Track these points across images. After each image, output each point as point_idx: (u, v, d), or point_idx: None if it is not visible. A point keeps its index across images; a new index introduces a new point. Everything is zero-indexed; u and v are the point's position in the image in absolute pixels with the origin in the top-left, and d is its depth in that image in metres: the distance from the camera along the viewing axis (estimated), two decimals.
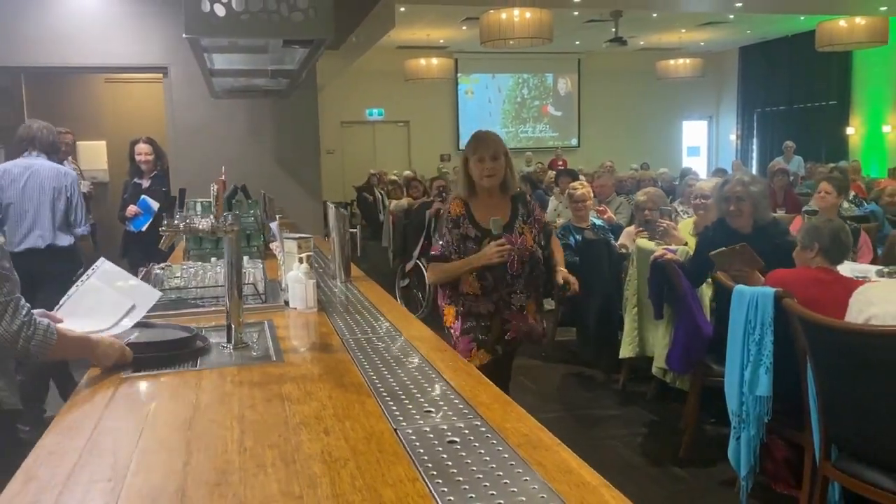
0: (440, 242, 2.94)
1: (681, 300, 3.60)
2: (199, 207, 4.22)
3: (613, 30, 13.19)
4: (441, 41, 15.28)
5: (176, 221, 2.13)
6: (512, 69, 17.33)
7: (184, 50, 5.35)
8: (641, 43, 15.71)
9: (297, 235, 3.10)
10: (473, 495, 1.19)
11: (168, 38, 5.30)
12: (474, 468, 1.30)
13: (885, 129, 14.05)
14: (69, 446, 1.47)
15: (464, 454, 1.35)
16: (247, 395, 1.77)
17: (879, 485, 2.36)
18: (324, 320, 2.59)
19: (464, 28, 13.83)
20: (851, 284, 2.79)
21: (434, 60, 14.69)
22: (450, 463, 1.32)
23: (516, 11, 10.20)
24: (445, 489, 1.21)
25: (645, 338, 4.24)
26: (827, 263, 2.96)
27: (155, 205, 5.69)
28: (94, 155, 8.04)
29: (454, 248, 2.89)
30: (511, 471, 1.28)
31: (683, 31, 14.93)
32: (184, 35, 2.40)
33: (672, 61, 15.59)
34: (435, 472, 1.28)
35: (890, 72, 13.79)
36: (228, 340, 2.23)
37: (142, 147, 5.71)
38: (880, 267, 3.88)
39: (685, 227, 4.48)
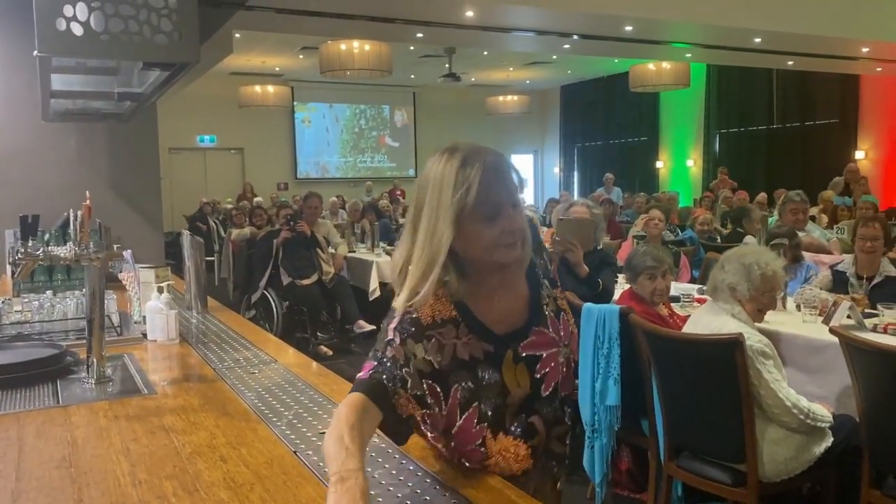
0: (373, 362, 1.33)
1: None
2: (46, 237, 3.91)
3: (447, 65, 13.70)
4: (277, 69, 15.12)
5: (32, 250, 1.99)
6: (349, 100, 17.44)
7: (7, 67, 4.95)
8: (473, 79, 16.42)
9: (151, 265, 2.98)
10: None
11: None
12: (383, 482, 1.34)
13: (689, 163, 15.60)
14: None
15: (370, 469, 1.38)
16: (126, 427, 1.69)
17: (714, 478, 2.65)
18: (189, 351, 2.50)
19: (301, 56, 13.78)
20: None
21: (270, 88, 14.49)
22: None
23: (356, 43, 10.35)
24: None
25: None
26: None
27: None
28: None
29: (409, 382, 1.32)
30: (420, 480, 1.33)
31: (511, 69, 15.80)
32: (36, 53, 2.26)
33: (501, 97, 16.41)
34: None
35: (690, 112, 15.37)
36: (90, 375, 2.11)
37: None
38: (700, 286, 4.33)
39: None
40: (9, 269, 3.72)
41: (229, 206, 12.73)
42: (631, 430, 3.12)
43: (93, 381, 2.09)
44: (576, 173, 18.78)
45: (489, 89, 17.02)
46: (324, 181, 16.56)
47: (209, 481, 1.36)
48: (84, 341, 2.12)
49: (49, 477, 1.42)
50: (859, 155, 12.44)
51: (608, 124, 17.34)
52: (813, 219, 6.50)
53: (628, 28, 7.72)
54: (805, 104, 13.24)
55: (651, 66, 11.98)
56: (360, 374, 1.30)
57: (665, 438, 2.81)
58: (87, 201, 2.02)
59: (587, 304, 3.11)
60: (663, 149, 16.25)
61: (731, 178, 12.68)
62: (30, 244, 2.08)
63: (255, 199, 12.98)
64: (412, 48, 12.89)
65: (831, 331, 2.60)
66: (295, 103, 16.63)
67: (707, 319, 2.76)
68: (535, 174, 20.25)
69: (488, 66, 15.21)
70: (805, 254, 4.63)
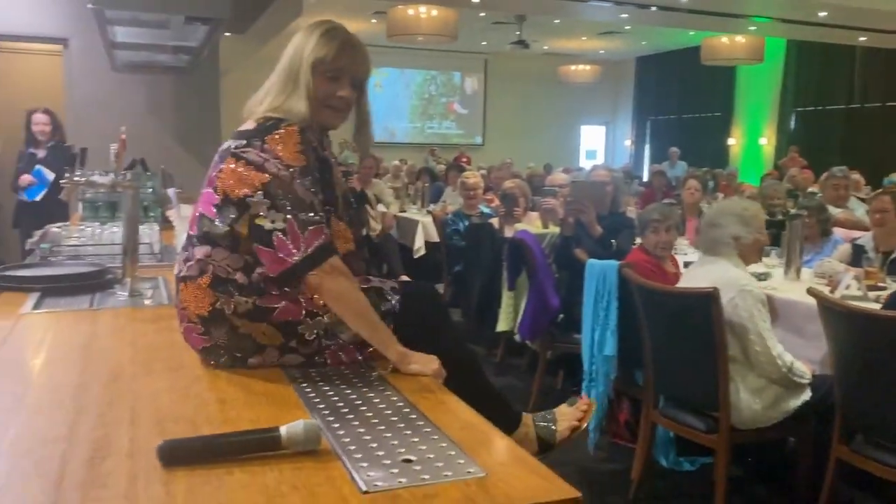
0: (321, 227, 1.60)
1: (533, 275, 3.97)
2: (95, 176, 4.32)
3: (518, 33, 13.71)
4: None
5: (76, 177, 2.31)
6: (420, 65, 17.63)
7: (84, 21, 5.38)
8: (545, 47, 16.33)
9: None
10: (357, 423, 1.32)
11: (68, 9, 5.30)
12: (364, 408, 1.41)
13: (762, 141, 15.19)
14: None
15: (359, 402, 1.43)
16: (139, 327, 1.99)
17: (691, 425, 2.80)
18: None
19: (373, 21, 14.02)
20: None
21: None
22: (341, 406, 1.40)
23: (423, 8, 10.51)
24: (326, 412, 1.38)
25: (518, 314, 4.62)
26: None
27: (50, 175, 5.66)
28: None
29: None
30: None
31: (584, 38, 15.64)
32: (88, 5, 2.56)
33: (573, 67, 16.30)
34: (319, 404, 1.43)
35: (767, 89, 14.92)
36: (124, 289, 2.44)
37: (39, 117, 5.68)
38: None
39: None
40: (80, 206, 4.15)
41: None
42: (627, 381, 3.29)
43: (126, 294, 2.41)
44: (647, 146, 18.51)
45: (561, 58, 16.89)
46: (390, 146, 16.88)
47: (192, 364, 1.64)
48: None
49: (68, 354, 1.73)
50: None
51: (682, 98, 17.00)
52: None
53: (684, 0, 7.64)
54: (889, 83, 12.68)
55: (724, 39, 11.71)
56: (318, 243, 1.53)
57: (649, 387, 2.98)
58: (123, 136, 2.32)
59: (590, 260, 3.28)
60: (736, 125, 15.85)
61: (805, 158, 12.33)
62: (77, 173, 2.41)
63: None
64: (482, 14, 12.95)
65: (808, 291, 2.70)
66: None
67: (703, 270, 2.87)
68: (607, 146, 20.05)
69: (560, 35, 15.10)
70: (839, 230, 4.63)
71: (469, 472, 1.11)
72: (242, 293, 1.56)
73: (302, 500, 1.03)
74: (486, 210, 5.69)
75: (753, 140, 15.42)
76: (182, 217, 3.13)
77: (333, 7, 12.87)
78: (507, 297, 4.69)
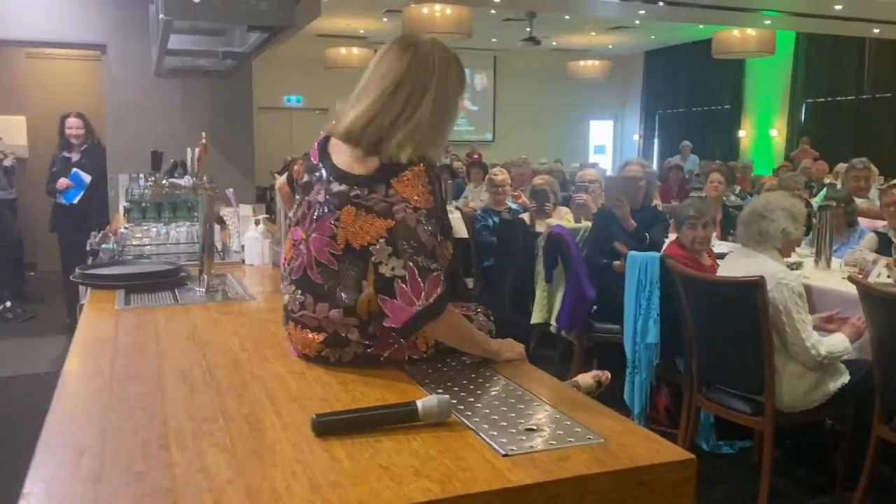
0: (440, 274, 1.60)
1: (569, 268, 4.10)
2: (140, 179, 4.46)
3: (528, 29, 13.82)
4: (361, 31, 15.55)
5: (158, 181, 2.45)
6: None
7: (123, 28, 5.52)
8: (554, 43, 16.43)
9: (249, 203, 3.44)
10: (473, 399, 1.52)
11: (107, 15, 5.44)
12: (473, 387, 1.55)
13: (773, 132, 15.28)
14: (104, 352, 1.81)
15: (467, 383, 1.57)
16: (234, 319, 2.14)
17: (737, 408, 2.94)
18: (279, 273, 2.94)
19: (385, 20, 14.15)
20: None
21: (355, 50, 14.96)
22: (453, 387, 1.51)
23: (437, 7, 10.64)
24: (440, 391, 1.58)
25: (553, 306, 4.75)
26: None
27: (87, 178, 5.82)
28: (13, 130, 7.96)
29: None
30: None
31: (593, 33, 15.73)
32: (161, 17, 2.70)
33: (582, 62, 16.39)
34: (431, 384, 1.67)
35: (777, 81, 15.01)
36: (201, 285, 2.58)
37: (72, 121, 5.84)
38: None
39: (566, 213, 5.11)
40: (122, 208, 4.29)
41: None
42: (668, 368, 3.42)
43: (203, 291, 2.56)
44: (656, 140, 18.61)
45: (570, 54, 16.99)
46: None
47: None
48: (191, 262, 2.61)
49: (181, 344, 1.87)
50: None
51: (691, 92, 17.08)
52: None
53: None
54: None
55: (736, 32, 11.79)
56: (437, 293, 1.50)
57: (695, 372, 3.11)
58: (203, 140, 2.46)
59: (631, 252, 3.42)
60: (746, 118, 15.94)
61: (816, 150, 12.43)
62: (155, 176, 2.55)
63: None
64: (493, 11, 13.06)
65: (849, 279, 2.83)
66: None
67: (742, 262, 3.00)
68: (615, 140, 20.14)
69: (570, 31, 15.20)
70: (863, 220, 4.75)
71: (589, 438, 1.25)
72: (352, 346, 1.60)
73: (451, 461, 1.17)
74: (514, 206, 5.82)
75: (764, 132, 15.50)
76: (243, 217, 3.28)
77: (349, 6, 13.03)
78: (540, 290, 4.82)
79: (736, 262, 3.08)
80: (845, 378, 2.86)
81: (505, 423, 1.32)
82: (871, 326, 2.73)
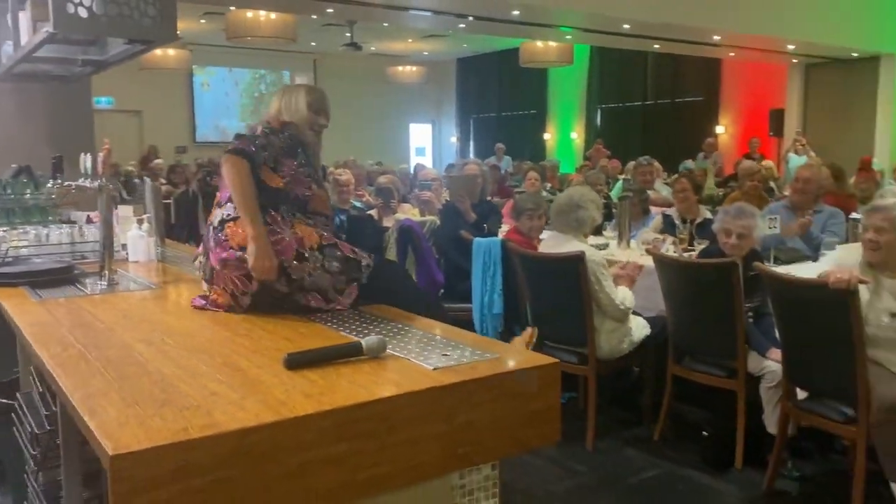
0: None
1: (420, 256, 4.63)
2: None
3: (348, 34, 14.26)
4: (178, 32, 15.15)
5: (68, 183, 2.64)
6: (249, 64, 17.66)
7: None
8: (373, 48, 16.99)
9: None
10: (396, 340, 2.04)
11: None
12: (390, 333, 2.14)
13: (574, 135, 16.89)
14: (59, 332, 2.05)
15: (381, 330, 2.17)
16: (156, 303, 2.43)
17: (566, 360, 3.60)
18: (168, 267, 3.20)
19: (202, 21, 13.96)
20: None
21: (170, 51, 14.58)
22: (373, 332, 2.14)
23: (262, 11, 10.79)
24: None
25: None
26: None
27: None
28: None
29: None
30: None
31: (410, 40, 16.50)
32: (50, 30, 2.88)
33: (400, 67, 17.11)
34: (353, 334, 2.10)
35: (576, 88, 16.61)
36: (103, 280, 2.79)
37: None
38: None
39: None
40: None
41: (132, 169, 12.90)
42: (510, 334, 4.05)
43: (105, 284, 2.77)
44: (472, 143, 19.76)
45: (389, 59, 17.64)
46: (224, 144, 16.71)
47: (226, 322, 2.13)
48: (77, 261, 2.84)
49: (123, 322, 2.15)
50: (720, 129, 14.00)
51: (501, 97, 18.38)
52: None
53: (515, 12, 8.66)
54: (675, 83, 14.70)
55: (539, 43, 13.01)
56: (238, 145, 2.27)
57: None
58: (107, 145, 2.69)
59: (476, 239, 4.00)
60: (550, 122, 17.46)
61: (610, 150, 13.96)
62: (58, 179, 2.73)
63: (155, 162, 13.20)
64: (314, 17, 13.36)
65: (647, 252, 3.59)
66: (194, 67, 16.71)
67: (560, 244, 3.66)
68: (434, 143, 21.10)
69: (388, 37, 15.83)
70: (653, 207, 5.71)
71: (488, 355, 1.76)
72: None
73: (397, 375, 1.62)
74: (358, 204, 6.25)
75: (566, 134, 17.08)
76: (123, 217, 3.46)
77: None
78: None
79: (554, 245, 3.76)
80: (647, 330, 3.62)
81: (427, 352, 1.79)
82: (663, 288, 3.50)
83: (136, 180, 4.60)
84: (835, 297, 2.64)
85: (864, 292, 2.69)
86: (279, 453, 1.35)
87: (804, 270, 3.41)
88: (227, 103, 17.73)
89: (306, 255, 2.21)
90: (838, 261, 2.90)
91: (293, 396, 1.48)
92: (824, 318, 2.76)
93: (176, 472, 1.25)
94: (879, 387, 2.66)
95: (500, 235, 4.55)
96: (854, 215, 4.29)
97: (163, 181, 9.77)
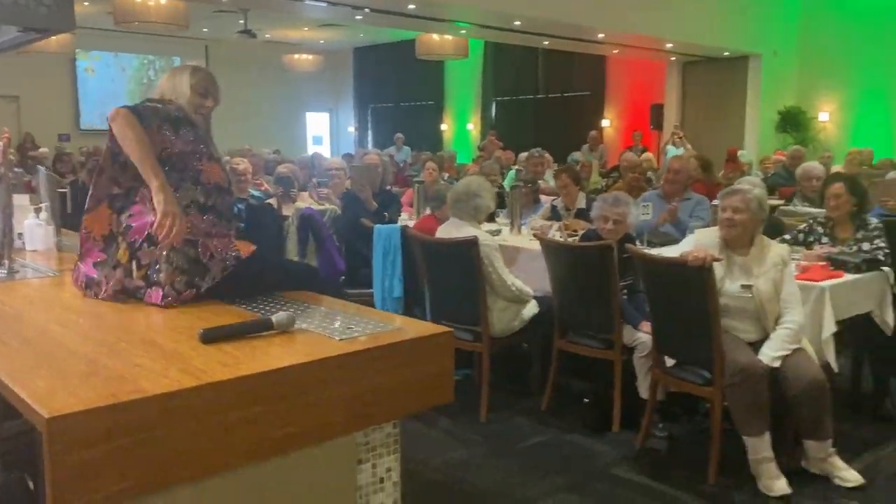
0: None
1: (321, 244, 4.77)
2: None
3: (242, 21, 14.03)
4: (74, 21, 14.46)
5: None
6: (137, 49, 17.05)
7: None
8: (268, 36, 16.76)
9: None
10: (303, 317, 2.19)
11: None
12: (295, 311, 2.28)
13: (469, 126, 17.28)
14: None
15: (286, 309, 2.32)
16: (61, 289, 2.48)
17: (462, 338, 3.85)
18: (67, 255, 3.21)
19: (86, 4, 13.40)
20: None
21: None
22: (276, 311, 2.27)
23: None
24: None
25: None
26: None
27: None
28: None
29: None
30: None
31: (306, 28, 16.37)
32: None
33: (296, 56, 16.96)
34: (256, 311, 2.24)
35: (471, 81, 16.99)
36: (2, 268, 2.81)
37: None
38: None
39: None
40: None
41: (13, 158, 12.25)
42: (410, 316, 4.25)
43: (5, 272, 2.79)
44: (370, 132, 19.83)
45: (285, 47, 17.43)
46: None
47: (133, 306, 2.24)
48: None
49: (29, 308, 2.22)
50: (606, 123, 14.71)
51: (399, 88, 18.52)
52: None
53: (411, 6, 8.86)
54: (566, 78, 15.31)
55: (435, 37, 13.24)
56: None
57: (429, 314, 3.97)
58: (7, 134, 2.70)
59: (377, 226, 4.18)
60: (447, 113, 17.78)
61: (503, 141, 14.39)
62: None
63: (40, 150, 12.59)
64: (207, 2, 13.06)
65: (535, 236, 3.89)
66: (77, 51, 15.98)
67: (457, 229, 3.90)
68: (332, 132, 21.02)
69: (284, 25, 15.66)
70: (543, 196, 6.06)
71: (390, 327, 1.96)
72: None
73: (306, 346, 1.80)
74: (256, 193, 6.29)
75: (462, 126, 17.44)
76: (19, 206, 3.43)
77: None
78: None
79: (450, 230, 3.99)
80: (536, 309, 3.92)
81: (334, 326, 1.97)
82: (549, 269, 3.80)
83: (18, 169, 4.48)
84: (693, 274, 2.95)
85: (718, 269, 3.06)
86: (201, 414, 1.51)
87: (672, 252, 3.79)
88: (113, 90, 17.04)
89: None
90: (697, 242, 3.25)
91: (211, 366, 1.63)
92: (684, 293, 3.06)
93: (107, 433, 1.39)
94: (731, 353, 3.04)
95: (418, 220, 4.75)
96: (715, 201, 4.75)
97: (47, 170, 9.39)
